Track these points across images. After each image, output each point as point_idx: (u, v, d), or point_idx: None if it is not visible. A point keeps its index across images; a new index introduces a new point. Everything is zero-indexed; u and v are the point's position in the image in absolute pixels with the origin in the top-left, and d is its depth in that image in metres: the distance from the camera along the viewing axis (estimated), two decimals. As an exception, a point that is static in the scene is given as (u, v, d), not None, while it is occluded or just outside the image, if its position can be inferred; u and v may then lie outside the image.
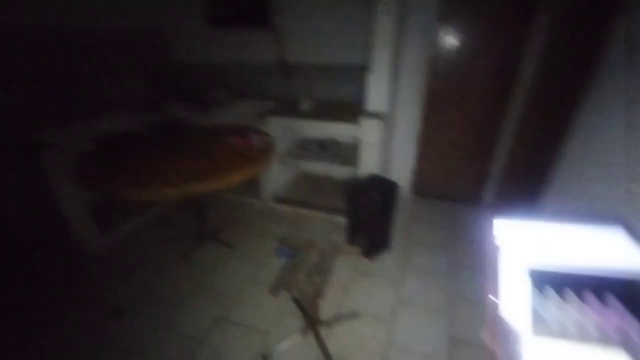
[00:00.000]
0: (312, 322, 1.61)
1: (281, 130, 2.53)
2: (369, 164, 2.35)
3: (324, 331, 1.62)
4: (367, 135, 2.26)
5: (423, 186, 2.88)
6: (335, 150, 2.76)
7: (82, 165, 1.67)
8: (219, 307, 1.79)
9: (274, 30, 2.83)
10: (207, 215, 2.33)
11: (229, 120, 2.53)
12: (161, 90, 3.01)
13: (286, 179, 2.95)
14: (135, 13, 2.87)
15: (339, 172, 2.90)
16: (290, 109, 2.63)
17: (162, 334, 1.65)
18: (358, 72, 2.65)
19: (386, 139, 2.50)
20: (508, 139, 2.41)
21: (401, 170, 2.83)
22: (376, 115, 2.26)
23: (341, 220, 2.47)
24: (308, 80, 2.89)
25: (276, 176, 2.72)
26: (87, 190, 1.94)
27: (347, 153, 2.69)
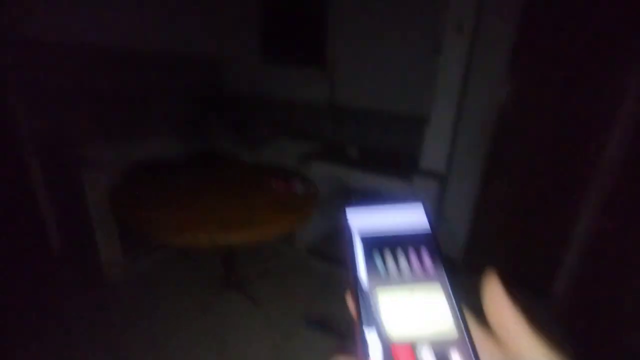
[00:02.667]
0: None
1: (324, 175, 2.36)
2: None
3: None
4: (420, 195, 2.01)
5: (479, 260, 2.49)
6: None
7: (117, 193, 1.59)
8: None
9: (327, 70, 2.80)
10: (235, 261, 2.13)
11: (272, 159, 2.43)
12: (208, 119, 3.02)
13: (323, 230, 2.72)
14: (191, 39, 2.98)
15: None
16: (336, 153, 2.48)
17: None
18: (412, 122, 2.49)
19: (440, 200, 2.23)
20: (591, 213, 2.02)
21: (453, 237, 2.49)
22: (432, 174, 2.02)
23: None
24: (357, 125, 2.77)
25: (313, 225, 2.51)
26: (118, 220, 1.85)
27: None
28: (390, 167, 2.25)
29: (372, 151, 2.63)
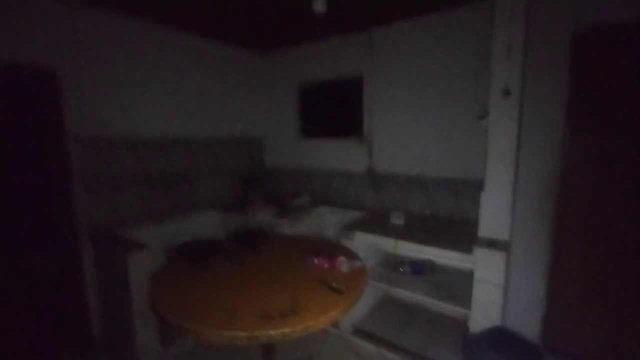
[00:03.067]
0: None
1: (368, 246, 2.19)
2: (485, 308, 1.76)
3: None
4: (484, 269, 1.75)
5: (560, 341, 2.05)
6: (432, 276, 2.25)
7: (154, 283, 1.54)
8: None
9: (365, 140, 2.79)
10: (274, 347, 1.93)
11: (313, 229, 2.33)
12: (249, 194, 3.08)
13: (369, 306, 2.46)
14: (237, 125, 3.20)
15: (439, 307, 2.31)
16: (379, 222, 2.33)
17: None
18: (458, 187, 2.34)
19: (507, 272, 1.93)
20: None
21: (524, 315, 2.11)
22: (495, 244, 1.78)
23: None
24: (400, 192, 2.64)
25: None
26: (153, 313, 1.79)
27: (449, 282, 2.15)
28: (438, 234, 2.05)
29: (417, 217, 2.45)
